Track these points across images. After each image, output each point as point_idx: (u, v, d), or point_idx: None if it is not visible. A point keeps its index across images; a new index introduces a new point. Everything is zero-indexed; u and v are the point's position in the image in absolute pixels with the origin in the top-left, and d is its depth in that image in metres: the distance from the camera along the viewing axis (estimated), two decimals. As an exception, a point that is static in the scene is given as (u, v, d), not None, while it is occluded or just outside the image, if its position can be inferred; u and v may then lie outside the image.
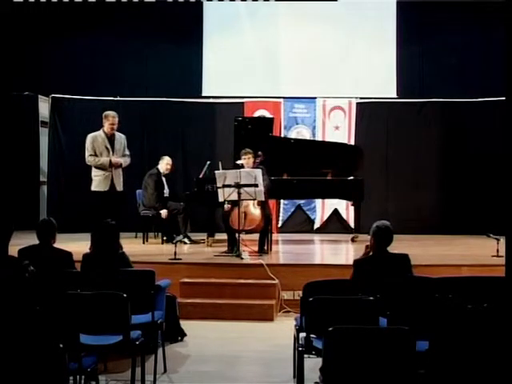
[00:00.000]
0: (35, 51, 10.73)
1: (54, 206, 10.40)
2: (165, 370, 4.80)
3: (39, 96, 10.64)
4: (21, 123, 10.34)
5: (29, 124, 10.59)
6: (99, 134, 7.87)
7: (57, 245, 5.25)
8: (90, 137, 7.90)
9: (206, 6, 10.98)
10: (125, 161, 7.99)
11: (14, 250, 4.99)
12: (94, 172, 7.85)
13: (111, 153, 7.83)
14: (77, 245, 6.61)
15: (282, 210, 10.79)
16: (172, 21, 10.76)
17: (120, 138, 7.97)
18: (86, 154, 7.85)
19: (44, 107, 10.72)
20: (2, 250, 4.45)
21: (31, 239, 5.45)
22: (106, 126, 7.82)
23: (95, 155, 7.81)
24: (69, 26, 10.68)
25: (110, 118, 7.80)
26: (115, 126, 7.84)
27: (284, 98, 10.90)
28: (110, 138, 7.85)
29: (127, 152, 8.06)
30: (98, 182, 7.82)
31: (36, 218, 9.33)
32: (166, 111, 10.84)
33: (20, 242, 5.36)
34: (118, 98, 10.65)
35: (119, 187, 7.92)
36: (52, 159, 10.60)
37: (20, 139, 10.27)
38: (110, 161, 7.78)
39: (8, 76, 9.48)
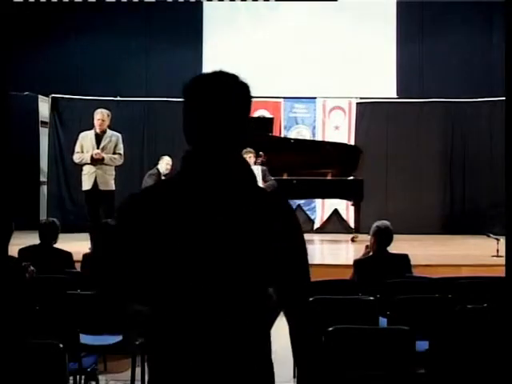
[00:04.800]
0: (35, 51, 10.72)
1: (54, 205, 10.39)
2: (165, 370, 4.79)
3: (39, 96, 10.62)
4: (21, 123, 10.33)
5: (29, 124, 10.57)
6: (89, 132, 7.65)
7: (57, 245, 5.25)
8: (80, 135, 7.73)
9: (206, 6, 10.97)
10: (112, 158, 7.55)
11: (14, 250, 4.98)
12: (82, 171, 7.66)
13: (95, 149, 7.51)
14: (77, 245, 6.60)
15: (281, 210, 10.77)
16: (172, 21, 10.75)
17: (111, 135, 7.63)
18: (74, 151, 7.68)
19: (44, 107, 10.71)
20: (2, 250, 4.45)
21: (31, 239, 5.44)
22: (95, 123, 7.60)
23: (81, 152, 7.60)
24: (69, 26, 10.69)
25: (98, 114, 7.56)
26: (103, 123, 7.53)
27: (284, 98, 10.89)
28: (99, 136, 7.58)
29: (119, 151, 7.65)
30: (83, 180, 7.62)
31: (36, 218, 9.32)
32: (166, 111, 10.82)
33: (20, 242, 5.35)
34: (118, 98, 10.64)
35: (103, 186, 7.50)
36: (52, 159, 10.59)
37: (20, 139, 10.25)
38: (92, 155, 7.46)
39: (8, 76, 9.46)
